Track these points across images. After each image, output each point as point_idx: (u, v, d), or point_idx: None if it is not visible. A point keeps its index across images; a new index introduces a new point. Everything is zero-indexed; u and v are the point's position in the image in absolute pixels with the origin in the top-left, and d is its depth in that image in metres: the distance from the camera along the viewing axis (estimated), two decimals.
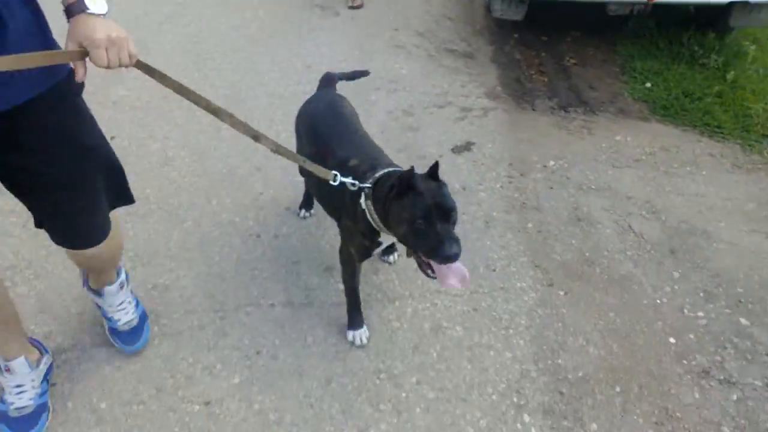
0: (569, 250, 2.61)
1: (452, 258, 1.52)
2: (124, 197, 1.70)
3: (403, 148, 3.20)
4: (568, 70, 4.28)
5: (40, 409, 1.79)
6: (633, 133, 3.51)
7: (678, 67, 4.15)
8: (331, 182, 1.71)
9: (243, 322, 2.18)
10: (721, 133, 3.51)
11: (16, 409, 1.75)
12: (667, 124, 3.61)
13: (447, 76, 4.06)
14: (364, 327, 2.12)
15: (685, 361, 2.13)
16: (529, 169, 3.15)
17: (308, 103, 2.28)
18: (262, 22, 4.65)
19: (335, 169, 1.76)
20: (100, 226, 1.61)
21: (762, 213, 2.90)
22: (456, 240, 1.54)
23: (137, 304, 2.09)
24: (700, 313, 2.33)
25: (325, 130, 2.08)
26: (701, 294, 2.42)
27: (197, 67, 3.94)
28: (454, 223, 1.59)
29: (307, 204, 2.66)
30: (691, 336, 2.23)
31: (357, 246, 1.91)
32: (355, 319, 2.11)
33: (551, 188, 3.01)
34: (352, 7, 4.93)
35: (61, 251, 1.72)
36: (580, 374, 2.06)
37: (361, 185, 1.73)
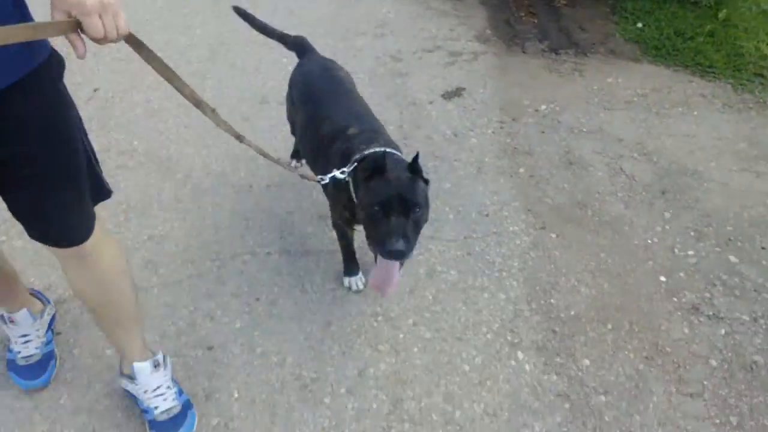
0: (561, 194, 2.63)
1: (393, 255, 1.44)
2: (104, 191, 1.50)
3: (392, 95, 3.16)
4: (558, 11, 4.20)
5: (47, 358, 1.81)
6: (624, 74, 3.49)
7: (670, 6, 4.08)
8: (321, 183, 1.71)
9: (240, 270, 2.20)
10: (713, 72, 3.49)
11: (23, 358, 1.78)
12: (659, 65, 3.59)
13: (435, 19, 3.98)
14: (360, 273, 2.14)
15: (675, 299, 2.19)
16: (521, 113, 3.13)
17: (301, 68, 2.20)
18: None
19: (333, 136, 1.77)
20: (84, 221, 1.42)
21: (752, 152, 2.92)
22: (406, 238, 1.45)
23: (180, 392, 1.75)
24: (690, 252, 2.38)
25: (322, 96, 2.01)
26: (692, 233, 2.46)
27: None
28: (416, 223, 1.52)
29: (298, 154, 2.63)
30: (681, 274, 2.29)
31: (339, 215, 1.91)
32: (350, 267, 2.13)
33: (543, 132, 3.00)
34: None
35: None
36: (572, 313, 2.11)
37: (347, 169, 1.69)
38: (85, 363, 1.87)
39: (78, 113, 1.33)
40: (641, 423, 1.79)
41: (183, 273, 2.17)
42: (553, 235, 2.42)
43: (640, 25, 3.94)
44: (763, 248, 2.40)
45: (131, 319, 1.63)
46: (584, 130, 3.03)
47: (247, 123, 2.91)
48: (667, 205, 2.59)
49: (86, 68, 3.26)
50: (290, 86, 2.23)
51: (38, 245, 1.41)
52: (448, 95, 3.22)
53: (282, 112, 2.97)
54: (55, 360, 1.85)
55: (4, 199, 1.33)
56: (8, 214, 1.36)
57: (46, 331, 1.84)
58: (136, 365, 1.64)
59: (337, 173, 1.69)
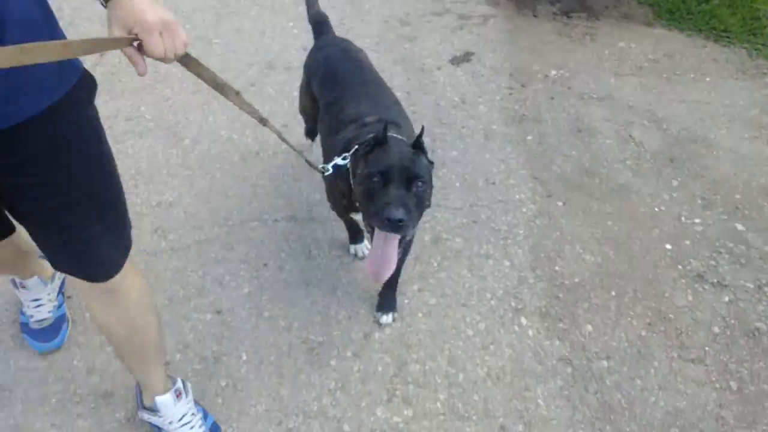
0: (569, 162, 2.62)
1: (392, 225, 1.31)
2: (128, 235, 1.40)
3: (399, 60, 3.13)
4: None
5: (60, 321, 1.86)
6: (637, 39, 3.42)
7: None
8: (322, 173, 1.59)
9: (248, 236, 2.23)
10: (728, 37, 3.41)
11: (36, 321, 1.82)
12: (672, 29, 3.51)
13: None
14: (365, 241, 2.16)
15: (679, 266, 2.20)
16: (530, 79, 3.09)
17: (320, 52, 2.07)
18: None
19: (351, 123, 1.69)
20: (116, 253, 1.33)
21: (764, 119, 2.88)
22: (407, 207, 1.32)
23: (205, 416, 1.68)
24: (697, 220, 2.38)
25: (344, 78, 1.91)
26: (699, 201, 2.45)
27: None
28: (418, 198, 1.39)
29: (312, 133, 2.48)
30: (687, 242, 2.29)
31: (335, 201, 1.82)
32: (354, 235, 2.14)
33: (552, 99, 2.97)
34: None
35: None
36: (577, 280, 2.12)
37: (348, 154, 1.58)
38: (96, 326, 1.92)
39: (107, 142, 1.25)
40: (642, 387, 1.82)
41: (192, 239, 2.20)
42: (560, 203, 2.42)
43: None
44: None
45: (155, 355, 1.56)
46: (594, 96, 2.99)
47: (253, 88, 2.90)
48: (676, 173, 2.57)
49: (92, 33, 3.24)
50: (308, 74, 2.08)
51: None
52: (457, 60, 3.18)
53: (288, 77, 2.96)
54: (68, 323, 1.89)
55: (29, 231, 1.25)
56: None
57: (57, 295, 1.89)
58: (159, 399, 1.55)
59: (338, 160, 1.58)
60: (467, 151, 2.62)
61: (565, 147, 2.69)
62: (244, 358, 1.85)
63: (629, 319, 2.01)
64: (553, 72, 3.14)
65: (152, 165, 2.48)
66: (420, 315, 1.99)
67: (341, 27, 3.33)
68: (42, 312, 1.82)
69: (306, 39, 3.23)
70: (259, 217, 2.30)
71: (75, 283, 1.33)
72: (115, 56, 3.10)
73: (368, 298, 2.03)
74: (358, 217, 1.69)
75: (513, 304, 2.03)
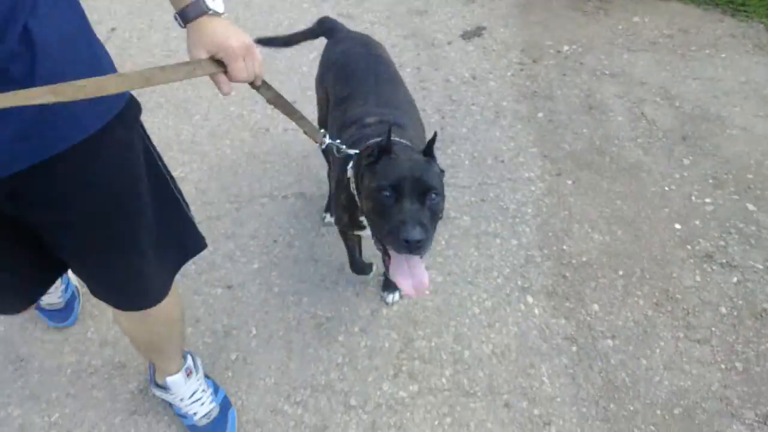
0: (579, 139, 2.60)
1: (409, 245, 1.18)
2: (193, 246, 1.38)
3: (409, 35, 3.10)
4: None
5: (70, 300, 1.89)
6: (651, 13, 3.35)
7: None
8: (318, 143, 1.39)
9: (258, 212, 2.25)
10: (745, 11, 3.34)
11: (48, 304, 1.84)
12: (688, 3, 3.43)
13: None
14: (372, 273, 1.98)
15: (689, 246, 2.19)
16: (542, 54, 3.05)
17: (337, 46, 1.93)
18: None
19: (352, 125, 1.55)
20: (159, 284, 1.30)
21: None
22: (423, 226, 1.20)
23: (216, 390, 1.70)
24: (708, 200, 2.36)
25: (361, 75, 1.76)
26: (710, 180, 2.43)
27: None
28: (433, 212, 1.27)
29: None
30: (697, 222, 2.28)
31: (338, 217, 1.67)
32: (354, 265, 1.93)
33: (564, 75, 2.93)
34: None
35: None
36: (584, 259, 2.13)
37: (348, 151, 1.40)
38: None
39: (156, 154, 1.19)
40: (647, 366, 1.84)
41: (203, 214, 2.23)
42: (569, 182, 2.41)
43: None
44: None
45: (174, 350, 1.58)
46: (607, 72, 2.95)
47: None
48: (687, 152, 2.55)
49: (103, 7, 3.24)
50: (324, 67, 1.94)
51: None
52: (468, 35, 3.15)
53: (298, 52, 2.94)
54: (78, 298, 1.93)
55: (70, 266, 1.21)
56: None
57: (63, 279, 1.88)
58: (169, 379, 1.57)
59: (335, 144, 1.40)
60: (477, 129, 2.61)
61: (576, 124, 2.67)
62: (254, 332, 1.89)
63: (636, 298, 2.02)
64: (566, 47, 3.10)
65: (162, 141, 2.49)
66: (427, 292, 2.01)
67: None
68: (52, 297, 1.83)
69: (316, 12, 3.20)
70: (269, 193, 2.32)
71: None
72: (125, 31, 3.09)
73: (375, 275, 2.05)
74: (365, 233, 1.56)
75: (519, 282, 2.04)
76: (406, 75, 2.82)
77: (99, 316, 1.91)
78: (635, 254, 2.15)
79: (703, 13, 3.36)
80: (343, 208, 1.55)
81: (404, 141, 1.45)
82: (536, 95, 2.81)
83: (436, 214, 1.29)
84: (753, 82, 2.90)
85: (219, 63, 1.02)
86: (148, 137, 1.17)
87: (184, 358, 1.63)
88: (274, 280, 2.03)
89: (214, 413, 1.63)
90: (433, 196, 1.26)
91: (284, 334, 1.89)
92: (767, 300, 2.02)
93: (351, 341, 1.87)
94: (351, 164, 1.43)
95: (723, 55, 3.07)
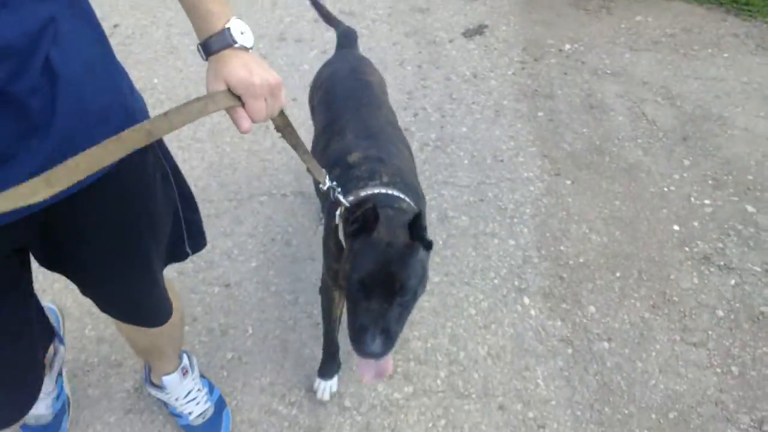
0: (579, 139, 2.59)
1: (367, 356, 1.16)
2: (196, 240, 1.35)
3: (411, 33, 3.09)
4: None
5: (60, 414, 1.66)
6: (654, 12, 3.33)
7: None
8: (322, 185, 1.26)
9: (257, 210, 2.25)
10: (749, 10, 3.31)
11: (35, 417, 1.61)
12: (691, 2, 3.41)
13: None
14: (335, 378, 1.74)
15: (686, 248, 2.19)
16: (544, 53, 3.04)
17: (327, 67, 1.86)
18: None
19: (336, 166, 1.45)
20: (166, 306, 1.32)
21: None
22: (386, 333, 1.14)
23: (211, 390, 1.70)
24: (707, 201, 2.35)
25: (341, 102, 1.67)
26: (710, 181, 2.43)
27: None
28: (404, 308, 1.18)
29: None
30: (696, 223, 2.27)
31: (327, 265, 1.52)
32: (326, 364, 1.71)
33: (565, 74, 2.92)
34: None
35: None
36: (582, 260, 2.13)
37: (342, 201, 1.27)
38: None
39: (171, 164, 1.16)
40: (642, 369, 1.84)
41: (201, 212, 2.21)
42: (568, 182, 2.40)
43: None
44: None
45: (172, 352, 1.57)
46: (608, 72, 2.94)
47: (264, 62, 2.88)
48: (687, 152, 2.54)
49: (106, 3, 3.23)
50: (314, 87, 1.86)
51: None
52: (470, 33, 3.13)
53: (299, 49, 2.94)
54: (68, 413, 1.69)
55: (83, 290, 1.19)
56: None
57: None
58: (165, 379, 1.57)
59: (340, 197, 1.27)
60: (476, 128, 2.60)
61: (576, 124, 2.66)
62: (250, 331, 1.89)
63: (633, 300, 2.02)
64: (567, 46, 3.09)
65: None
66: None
67: None
68: (40, 408, 1.57)
69: None
70: (268, 191, 2.32)
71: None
72: (128, 27, 3.09)
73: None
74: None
75: (516, 283, 2.04)
76: (407, 73, 2.82)
77: (97, 314, 1.91)
78: (633, 255, 2.15)
79: (706, 12, 3.34)
80: (333, 255, 1.40)
81: (399, 195, 1.34)
82: (537, 94, 2.80)
83: (407, 310, 1.20)
84: (755, 83, 2.88)
85: (236, 97, 0.93)
86: (162, 147, 1.13)
87: (180, 357, 1.62)
88: (272, 279, 2.03)
89: (209, 413, 1.64)
90: (406, 294, 1.16)
91: (280, 334, 1.89)
92: (765, 303, 2.02)
93: (346, 342, 1.86)
94: (340, 212, 1.31)
95: (725, 55, 3.05)
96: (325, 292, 1.58)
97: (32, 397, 1.22)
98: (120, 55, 0.99)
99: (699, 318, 1.97)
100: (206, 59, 0.92)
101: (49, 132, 0.78)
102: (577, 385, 1.79)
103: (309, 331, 1.90)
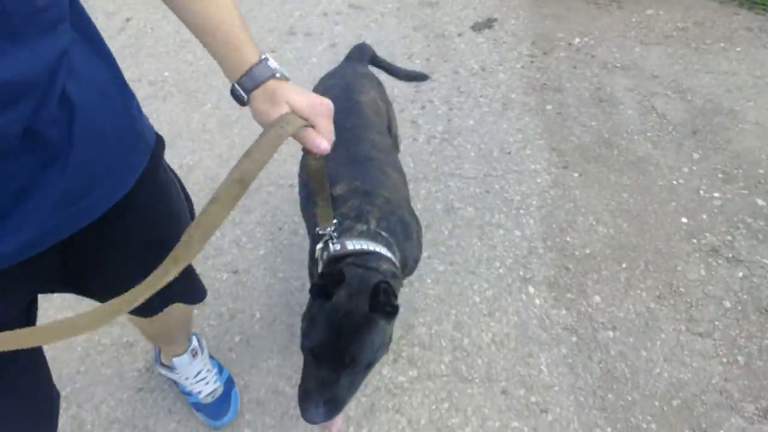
0: (588, 132, 2.59)
1: (309, 422, 1.09)
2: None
3: (420, 26, 3.11)
4: None
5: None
6: (666, 6, 3.32)
7: None
8: (319, 229, 1.24)
9: (265, 200, 2.28)
10: (763, 4, 3.28)
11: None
12: None
13: None
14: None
15: (694, 240, 2.18)
16: (553, 47, 3.04)
17: (323, 82, 1.79)
18: None
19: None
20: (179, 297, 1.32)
21: None
22: (330, 403, 1.09)
23: (220, 370, 1.76)
24: (716, 194, 2.34)
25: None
26: (719, 175, 2.41)
27: None
28: (353, 380, 1.12)
29: None
30: (704, 216, 2.26)
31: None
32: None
33: (574, 68, 2.92)
34: None
35: None
36: (588, 251, 2.13)
37: (330, 248, 1.23)
38: None
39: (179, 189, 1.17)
40: (647, 358, 1.84)
41: None
42: (576, 174, 2.41)
43: None
44: None
45: (182, 338, 1.62)
46: (618, 65, 2.93)
47: (274, 55, 2.92)
48: (697, 146, 2.53)
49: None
50: None
51: None
52: (479, 27, 3.14)
53: (308, 43, 2.97)
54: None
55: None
56: None
57: None
58: (176, 359, 1.62)
59: (331, 238, 1.25)
60: (484, 121, 2.62)
61: (585, 117, 2.66)
62: (258, 316, 1.93)
63: (639, 291, 2.02)
64: (577, 40, 3.09)
65: (173, 129, 2.54)
66: (429, 281, 2.03)
67: None
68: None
69: (327, 4, 3.23)
70: (276, 181, 2.35)
71: None
72: (140, 21, 3.14)
73: None
74: None
75: (521, 273, 2.05)
76: (415, 66, 2.84)
77: None
78: (640, 247, 2.15)
79: (718, 6, 3.32)
80: (314, 278, 1.38)
81: (378, 250, 1.26)
82: (546, 87, 2.80)
83: (357, 381, 1.14)
84: (767, 77, 2.86)
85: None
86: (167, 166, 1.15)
87: (190, 339, 1.67)
88: (279, 266, 2.07)
89: (218, 392, 1.68)
90: (356, 367, 1.10)
91: (287, 318, 1.92)
92: None
93: None
94: (321, 246, 1.27)
95: (738, 49, 3.03)
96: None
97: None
98: (131, 48, 1.02)
99: (705, 309, 1.97)
100: (246, 100, 0.89)
101: (68, 160, 0.78)
102: (580, 372, 1.79)
103: None
